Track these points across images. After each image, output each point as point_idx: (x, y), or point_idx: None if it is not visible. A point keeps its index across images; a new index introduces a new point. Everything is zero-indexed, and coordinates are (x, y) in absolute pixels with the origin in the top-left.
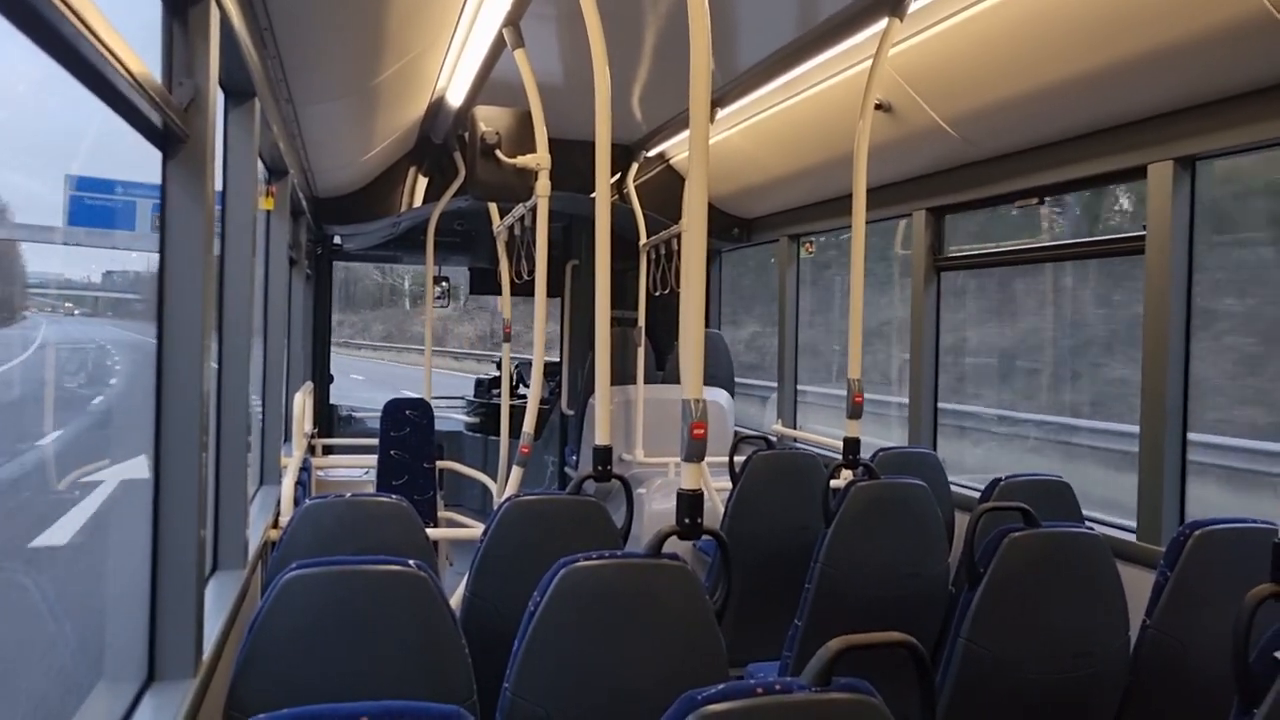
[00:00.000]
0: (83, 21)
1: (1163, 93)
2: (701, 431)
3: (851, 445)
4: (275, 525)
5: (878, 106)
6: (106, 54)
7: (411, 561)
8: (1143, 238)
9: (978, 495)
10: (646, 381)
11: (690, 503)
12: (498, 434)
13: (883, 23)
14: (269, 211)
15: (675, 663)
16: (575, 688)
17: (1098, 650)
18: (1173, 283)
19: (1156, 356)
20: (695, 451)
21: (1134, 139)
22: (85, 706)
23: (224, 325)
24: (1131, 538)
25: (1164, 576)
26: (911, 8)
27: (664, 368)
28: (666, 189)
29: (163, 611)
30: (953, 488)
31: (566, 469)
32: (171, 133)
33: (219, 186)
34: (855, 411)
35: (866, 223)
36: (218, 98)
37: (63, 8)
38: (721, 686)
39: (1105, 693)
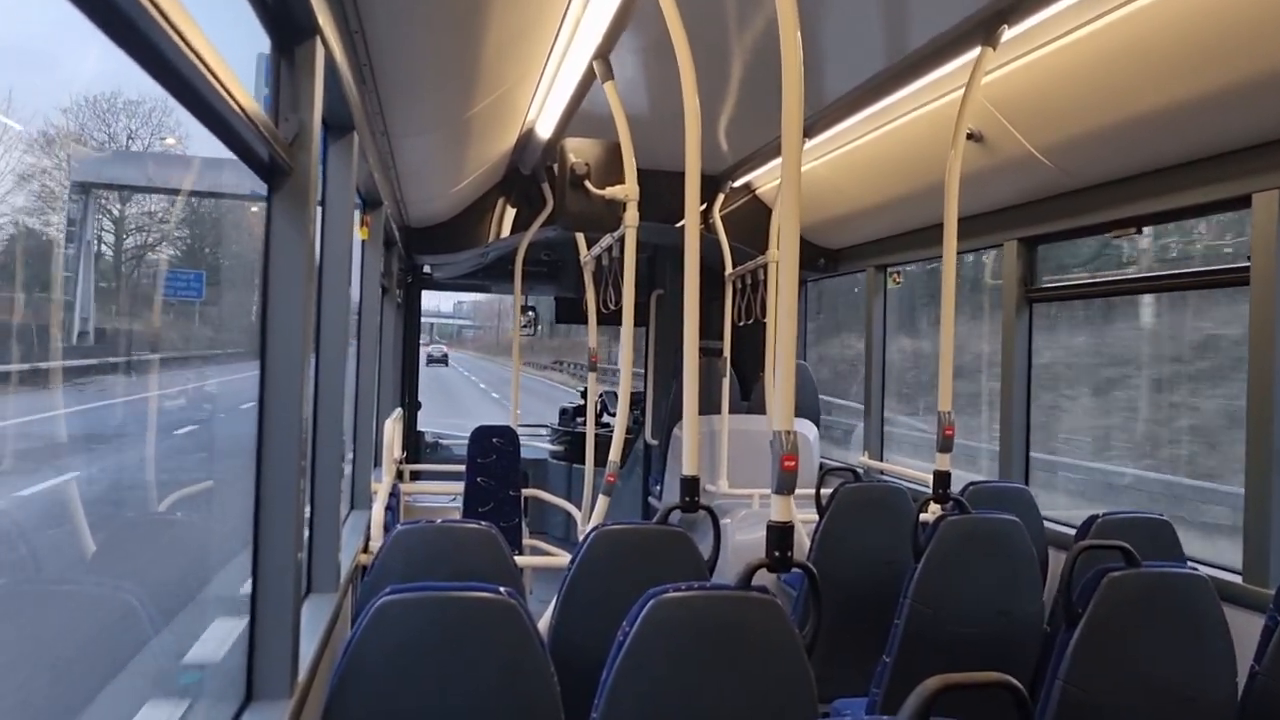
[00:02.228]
0: (203, 62)
1: (1269, 120)
2: (792, 464)
3: (942, 479)
4: (366, 550)
5: (969, 136)
6: (223, 92)
7: (503, 589)
8: (1247, 269)
9: (1073, 533)
10: (731, 412)
11: (780, 535)
12: (581, 462)
13: (975, 51)
14: (363, 241)
15: (764, 697)
16: (665, 719)
17: (1203, 697)
18: (1279, 315)
19: (1262, 391)
20: (785, 484)
21: (1238, 167)
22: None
23: (321, 353)
24: (1237, 579)
25: (1274, 621)
26: (1005, 36)
27: (749, 398)
28: (751, 219)
29: (261, 633)
30: (1046, 524)
31: (650, 499)
32: (277, 166)
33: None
34: (946, 444)
35: (956, 253)
36: (319, 132)
37: (185, 49)
38: None
39: None
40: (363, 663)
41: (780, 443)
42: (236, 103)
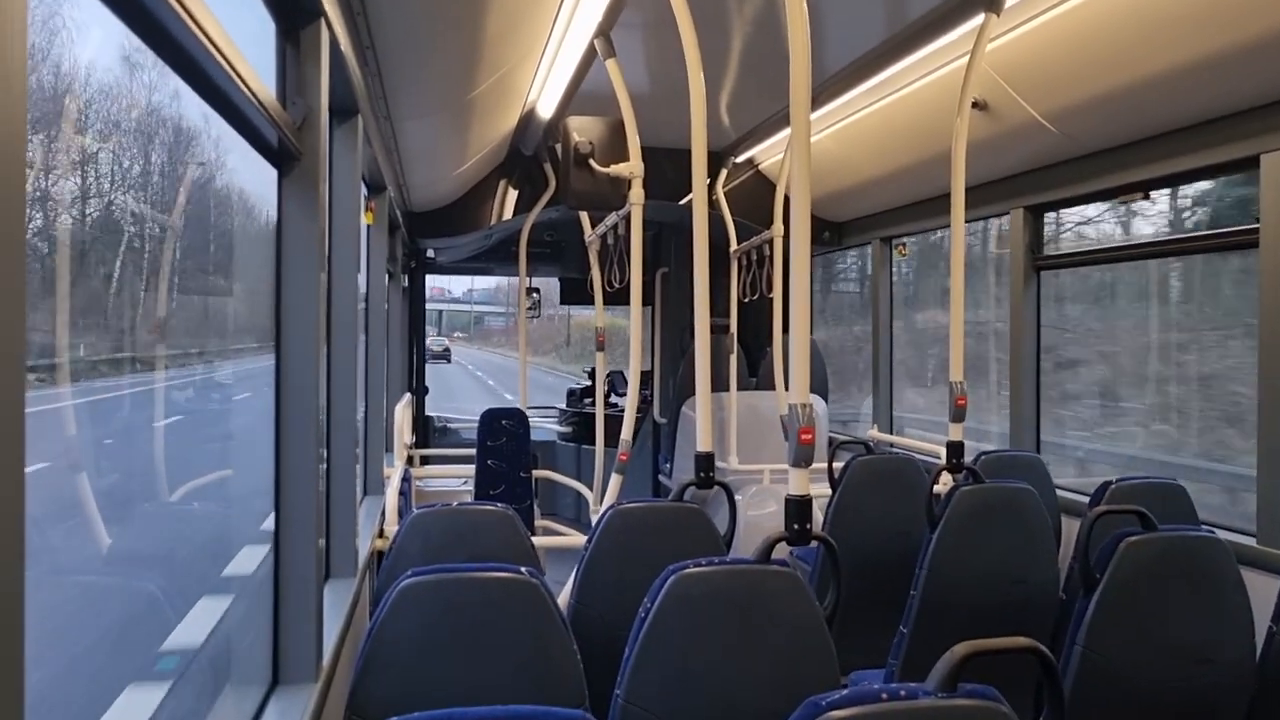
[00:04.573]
0: (216, 48)
1: (1276, 79)
2: (810, 437)
3: (955, 449)
4: (381, 535)
5: (974, 105)
6: (233, 75)
7: (523, 569)
8: (1256, 230)
9: (1085, 500)
10: (738, 389)
11: (799, 509)
12: (590, 443)
13: (979, 18)
14: (368, 226)
15: (786, 669)
16: (688, 694)
17: (1220, 658)
18: None
19: (1275, 351)
20: (803, 456)
21: (1245, 128)
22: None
23: (332, 340)
24: (1252, 541)
25: None
26: (1009, 1)
27: (756, 374)
28: (755, 194)
29: (285, 619)
30: (1058, 492)
31: (660, 476)
32: (286, 150)
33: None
34: (958, 415)
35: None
36: (326, 115)
37: (199, 34)
38: (845, 692)
39: (1230, 702)
40: (386, 645)
41: (797, 416)
42: (246, 86)
